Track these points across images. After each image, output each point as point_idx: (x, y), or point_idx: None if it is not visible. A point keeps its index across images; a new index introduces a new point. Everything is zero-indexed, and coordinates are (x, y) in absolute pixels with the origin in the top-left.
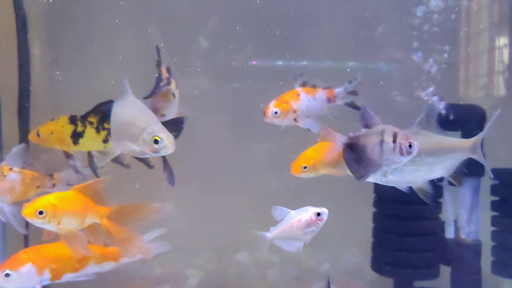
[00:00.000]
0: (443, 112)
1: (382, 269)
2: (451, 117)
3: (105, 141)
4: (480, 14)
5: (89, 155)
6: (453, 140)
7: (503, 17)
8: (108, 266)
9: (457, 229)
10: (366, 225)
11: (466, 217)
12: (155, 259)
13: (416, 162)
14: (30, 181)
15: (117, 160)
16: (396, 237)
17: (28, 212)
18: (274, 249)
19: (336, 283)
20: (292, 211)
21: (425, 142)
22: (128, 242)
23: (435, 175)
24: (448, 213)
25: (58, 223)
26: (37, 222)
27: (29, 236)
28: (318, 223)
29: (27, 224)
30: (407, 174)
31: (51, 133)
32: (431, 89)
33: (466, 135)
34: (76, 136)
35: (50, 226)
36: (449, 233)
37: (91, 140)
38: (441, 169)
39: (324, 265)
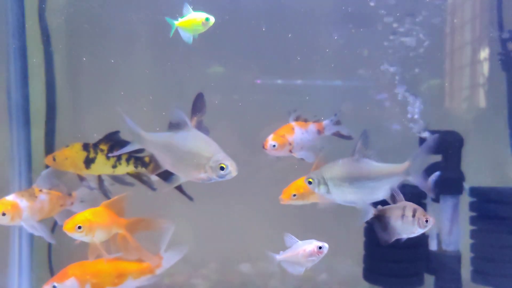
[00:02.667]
0: (425, 136)
1: (372, 278)
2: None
3: (114, 166)
4: (464, 29)
5: (99, 178)
6: (390, 166)
7: (484, 32)
8: (146, 279)
9: (439, 242)
10: (359, 239)
11: (447, 231)
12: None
13: (357, 186)
14: (56, 201)
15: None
16: (384, 249)
17: (69, 227)
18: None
19: None
20: (299, 241)
21: (366, 169)
22: (137, 251)
23: (375, 197)
24: (431, 228)
25: (93, 236)
26: (76, 235)
27: (52, 246)
28: (319, 255)
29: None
30: (348, 195)
31: (66, 158)
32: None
33: (447, 158)
34: (88, 162)
35: (86, 238)
36: (433, 245)
37: (101, 166)
38: (381, 192)
39: (321, 275)
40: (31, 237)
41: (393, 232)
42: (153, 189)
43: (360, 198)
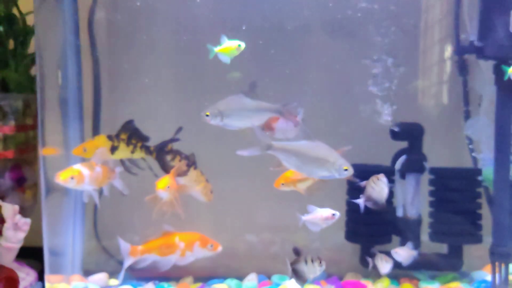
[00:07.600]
0: (395, 129)
1: (352, 238)
2: (399, 131)
3: (132, 152)
4: (433, 29)
5: (122, 161)
6: (266, 103)
7: (448, 32)
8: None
9: (404, 210)
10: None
11: (410, 201)
12: None
13: (240, 115)
14: (106, 174)
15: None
16: (361, 215)
17: (162, 186)
18: (276, 232)
19: (324, 256)
20: (319, 209)
21: (248, 103)
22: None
23: (254, 124)
24: (398, 198)
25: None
26: (163, 194)
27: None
28: (332, 219)
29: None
30: (235, 121)
31: (96, 147)
32: None
33: (411, 144)
34: (113, 149)
35: (167, 197)
36: (399, 212)
37: (123, 151)
38: (258, 120)
39: (315, 243)
40: (84, 204)
41: (377, 199)
42: (155, 175)
43: (243, 125)
